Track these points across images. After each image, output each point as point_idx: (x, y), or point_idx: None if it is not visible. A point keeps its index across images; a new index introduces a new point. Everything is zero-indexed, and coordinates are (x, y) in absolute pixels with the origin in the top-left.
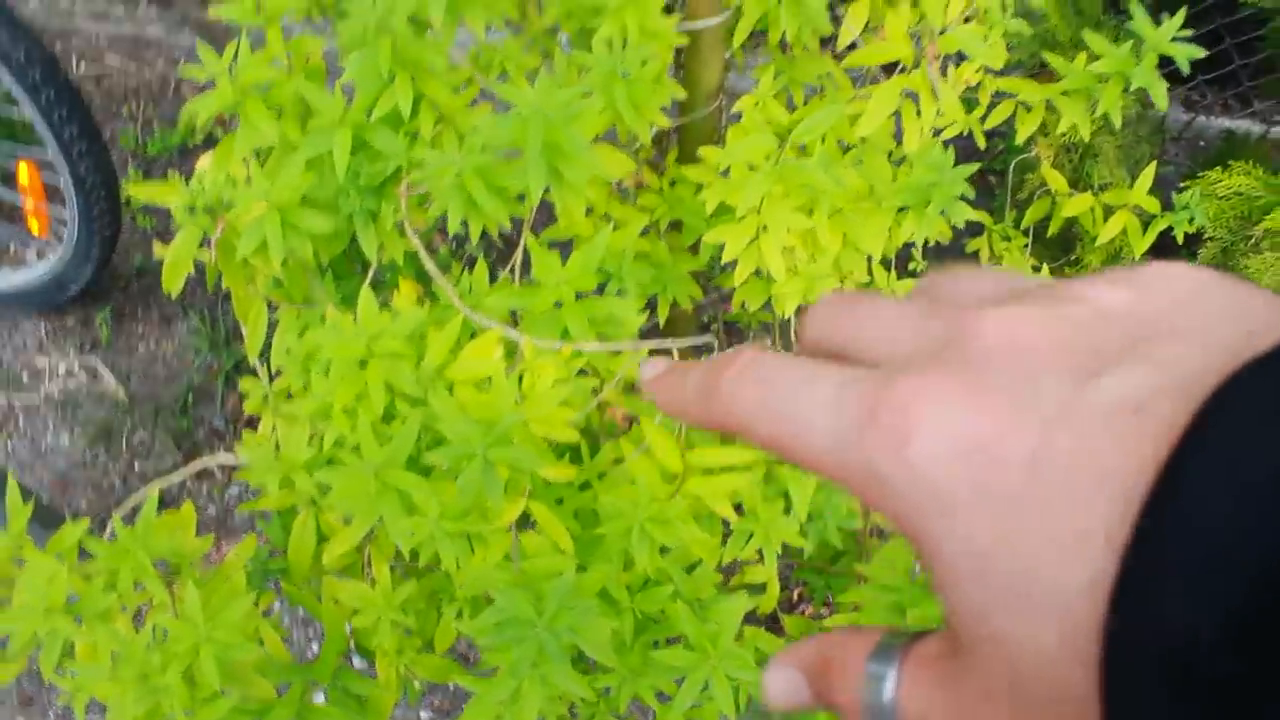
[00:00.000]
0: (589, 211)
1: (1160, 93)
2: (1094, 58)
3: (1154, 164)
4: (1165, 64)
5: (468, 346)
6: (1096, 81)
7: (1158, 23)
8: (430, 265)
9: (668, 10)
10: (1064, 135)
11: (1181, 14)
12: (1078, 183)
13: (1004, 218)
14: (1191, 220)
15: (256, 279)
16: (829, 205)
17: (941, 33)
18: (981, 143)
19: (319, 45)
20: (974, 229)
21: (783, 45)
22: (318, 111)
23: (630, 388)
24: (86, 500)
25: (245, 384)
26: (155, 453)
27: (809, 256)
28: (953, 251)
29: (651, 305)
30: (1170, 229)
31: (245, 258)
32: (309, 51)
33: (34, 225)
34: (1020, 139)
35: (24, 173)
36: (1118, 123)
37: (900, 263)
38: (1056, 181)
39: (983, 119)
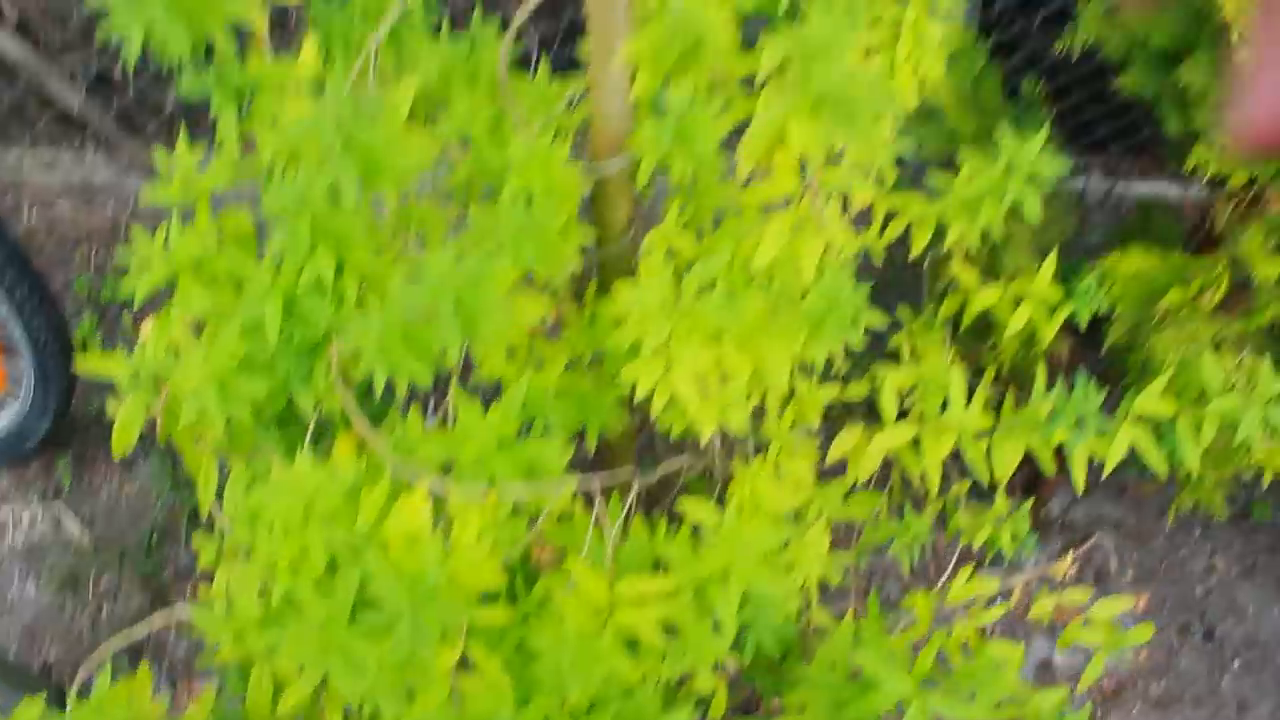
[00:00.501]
0: (512, 354)
1: (1034, 207)
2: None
3: (1054, 255)
4: (1088, 132)
5: (397, 505)
6: (991, 189)
7: (1065, 92)
8: (361, 423)
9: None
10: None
11: (1045, 131)
12: (993, 269)
13: (925, 312)
14: (1092, 304)
15: (205, 435)
16: (735, 335)
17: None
18: (878, 259)
19: (246, 216)
20: (899, 323)
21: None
22: (248, 282)
23: (560, 518)
24: (55, 650)
25: (198, 540)
26: (123, 596)
27: (720, 382)
28: (876, 348)
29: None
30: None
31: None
32: (238, 223)
33: None
34: (916, 251)
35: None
36: (996, 233)
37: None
38: (967, 277)
39: (881, 232)
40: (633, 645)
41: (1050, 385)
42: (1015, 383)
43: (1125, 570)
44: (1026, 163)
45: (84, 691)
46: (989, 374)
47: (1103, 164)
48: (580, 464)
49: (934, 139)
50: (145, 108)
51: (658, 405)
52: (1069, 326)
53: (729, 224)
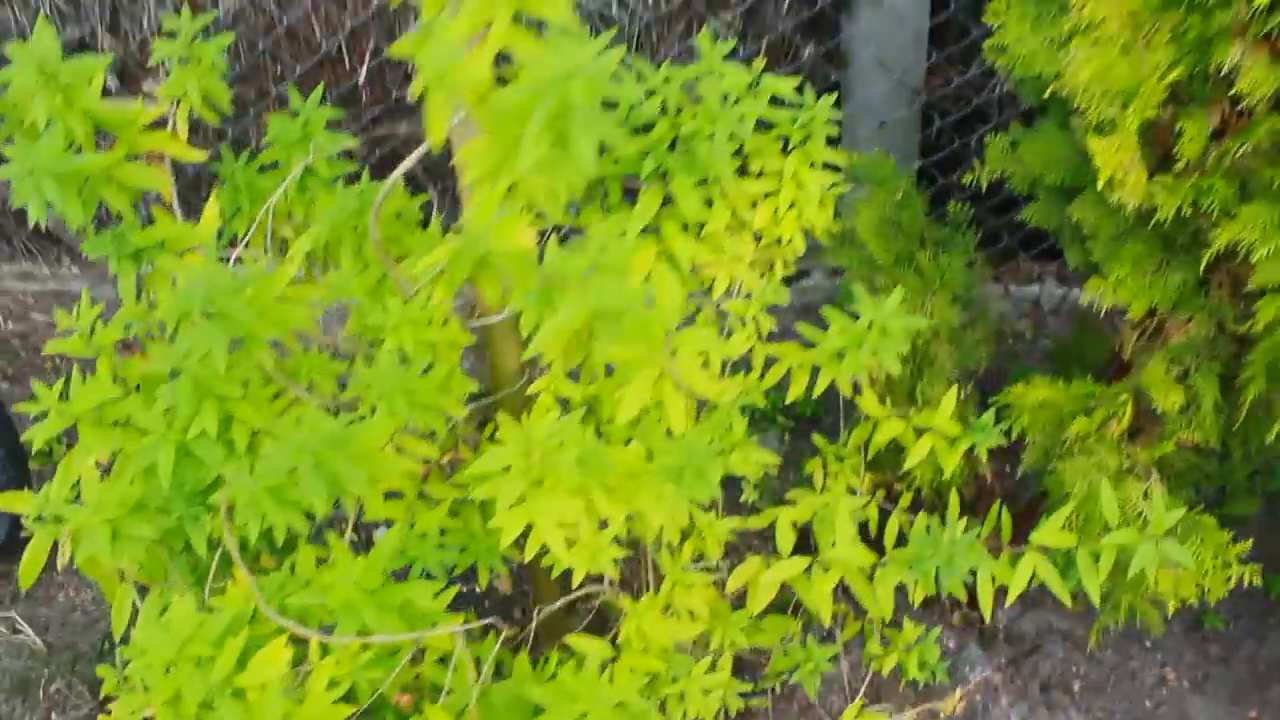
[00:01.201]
0: (400, 496)
1: (892, 362)
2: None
3: (955, 389)
4: (1036, 240)
5: (258, 654)
6: (851, 343)
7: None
8: (241, 569)
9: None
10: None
11: (898, 293)
12: (913, 394)
13: (839, 439)
14: (1008, 433)
15: (117, 565)
16: (602, 485)
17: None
18: (760, 402)
19: (143, 365)
20: (814, 448)
21: None
22: (145, 429)
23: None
24: None
25: (100, 669)
26: (72, 703)
27: (593, 528)
28: (789, 472)
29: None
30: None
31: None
32: (140, 370)
33: None
34: (791, 397)
35: None
36: (861, 381)
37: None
38: (872, 407)
39: (761, 376)
40: None
41: (966, 511)
42: (933, 508)
43: (1072, 682)
44: (883, 321)
45: None
46: (904, 500)
47: (1057, 271)
48: (480, 601)
49: (857, 265)
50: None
51: (529, 551)
52: (993, 449)
53: (619, 373)
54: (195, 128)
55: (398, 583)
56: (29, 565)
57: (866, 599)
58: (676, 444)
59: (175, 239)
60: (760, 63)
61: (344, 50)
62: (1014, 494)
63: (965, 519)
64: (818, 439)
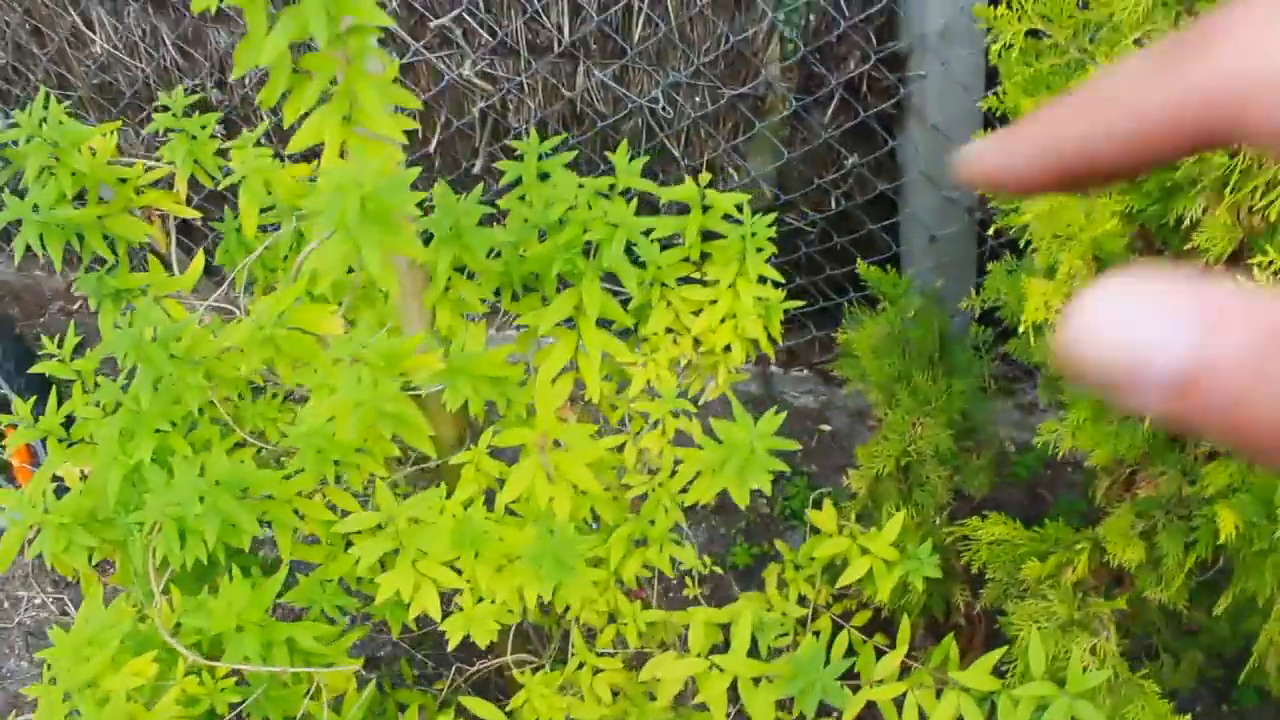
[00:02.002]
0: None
1: (762, 479)
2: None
3: (901, 514)
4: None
5: (129, 663)
6: (730, 453)
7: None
8: (153, 585)
9: None
10: (900, 457)
11: (774, 420)
12: (900, 509)
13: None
14: (976, 563)
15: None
16: (488, 560)
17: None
18: (671, 500)
19: (117, 388)
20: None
21: None
22: (100, 448)
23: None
24: None
25: (41, 653)
26: None
27: (473, 599)
28: (750, 578)
29: None
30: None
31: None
32: (113, 394)
33: (20, 478)
34: (689, 500)
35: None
36: (744, 497)
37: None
38: (823, 522)
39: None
40: None
41: (934, 636)
42: (886, 631)
43: None
44: (748, 442)
45: None
46: (860, 618)
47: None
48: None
49: (855, 377)
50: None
51: (411, 612)
52: (969, 577)
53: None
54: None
55: (285, 621)
56: (2, 554)
57: (751, 705)
58: (539, 533)
59: (157, 284)
60: (705, 177)
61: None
62: (992, 626)
63: (915, 645)
64: (780, 545)
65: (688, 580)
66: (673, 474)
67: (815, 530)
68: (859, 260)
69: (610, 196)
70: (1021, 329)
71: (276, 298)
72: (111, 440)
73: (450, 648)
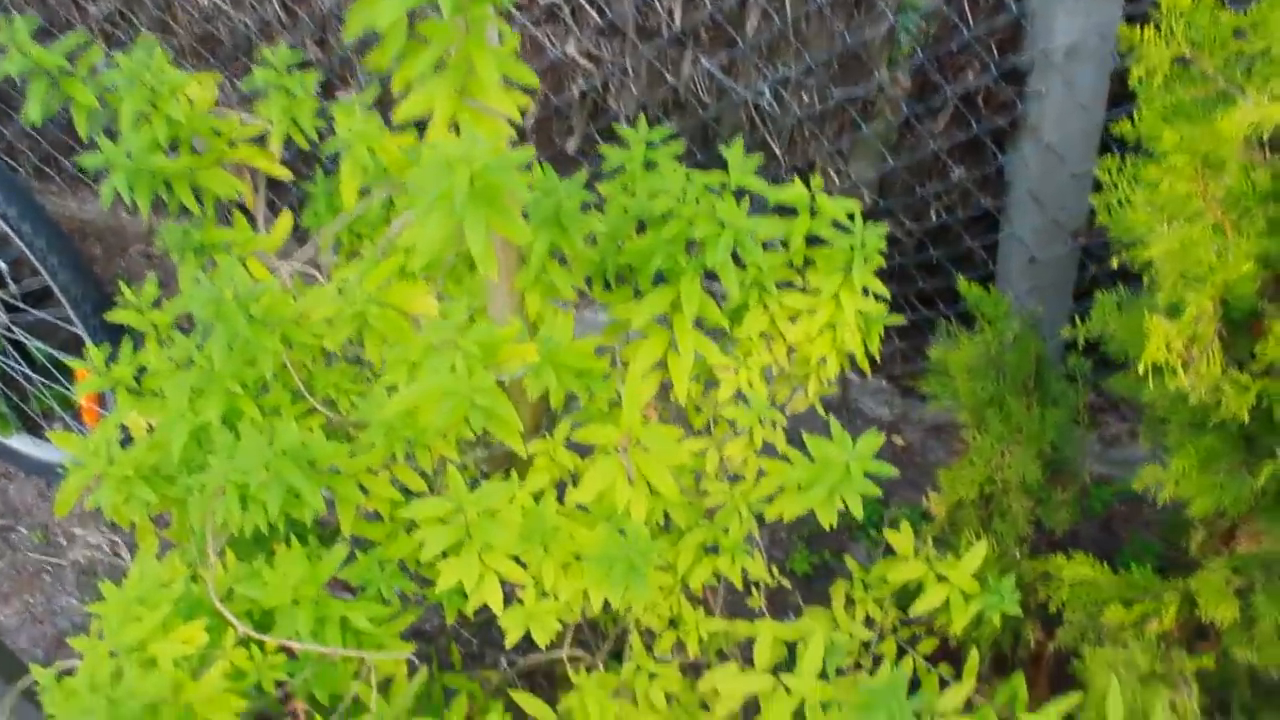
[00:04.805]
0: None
1: (854, 502)
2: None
3: (983, 543)
4: None
5: (178, 629)
6: (824, 473)
7: None
8: (209, 548)
9: None
10: (985, 484)
11: (876, 439)
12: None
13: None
14: (1055, 602)
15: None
16: (555, 557)
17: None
18: (745, 513)
19: (191, 345)
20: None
21: None
22: (169, 403)
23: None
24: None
25: (90, 606)
26: None
27: (536, 594)
28: (818, 587)
29: None
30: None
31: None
32: (186, 350)
33: (88, 419)
34: (771, 515)
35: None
36: (831, 517)
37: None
38: (900, 543)
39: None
40: None
41: (1000, 670)
42: (958, 659)
43: None
44: (843, 461)
45: None
46: (925, 645)
47: None
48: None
49: (944, 396)
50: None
51: (471, 604)
52: (1043, 614)
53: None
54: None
55: (341, 599)
56: (63, 498)
57: None
58: (612, 536)
59: (242, 242)
60: (818, 181)
61: None
62: (1061, 666)
63: (981, 680)
64: (850, 562)
65: (753, 589)
66: (755, 484)
67: (888, 550)
68: (959, 276)
69: (719, 193)
70: (1141, 368)
71: (368, 272)
72: (181, 397)
73: (509, 644)
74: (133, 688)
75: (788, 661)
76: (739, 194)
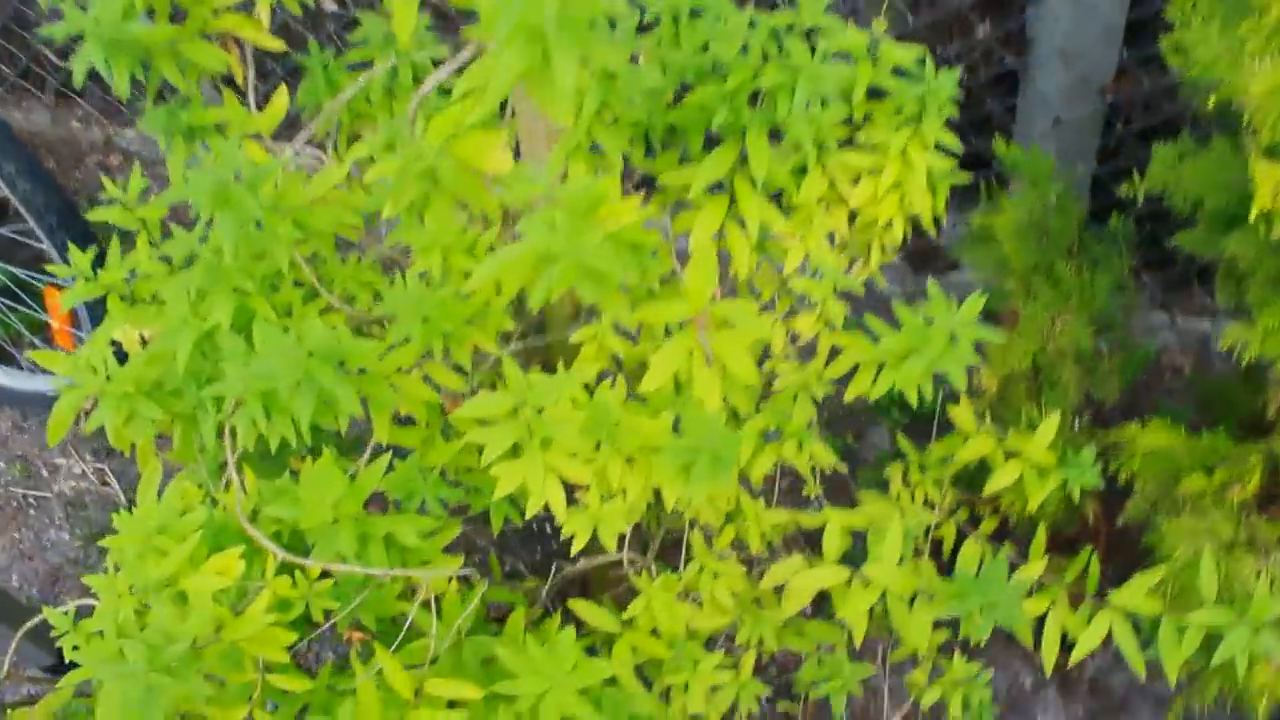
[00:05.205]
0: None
1: (958, 375)
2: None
3: (1056, 416)
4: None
5: (211, 560)
6: (924, 343)
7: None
8: (230, 467)
9: None
10: (1037, 354)
11: (978, 300)
12: (1022, 410)
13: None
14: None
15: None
16: (619, 452)
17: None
18: (819, 394)
19: (192, 240)
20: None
21: None
22: (169, 308)
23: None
24: (72, 598)
25: (105, 540)
26: None
27: (601, 495)
28: (869, 472)
29: None
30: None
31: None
32: (187, 246)
33: (60, 342)
34: (850, 395)
35: (52, 298)
36: (926, 391)
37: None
38: (964, 421)
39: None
40: None
41: (1063, 549)
42: (1014, 538)
43: None
44: (957, 328)
45: None
46: (987, 525)
47: (1190, 304)
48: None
49: (987, 265)
50: None
51: (530, 508)
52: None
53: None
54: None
55: (385, 514)
56: (55, 425)
57: (903, 626)
58: (695, 424)
59: (234, 123)
60: (880, 24)
61: None
62: (1117, 540)
63: (1046, 559)
64: (903, 443)
65: (809, 478)
66: (827, 364)
67: (942, 428)
68: (996, 138)
69: (783, 38)
70: (1252, 217)
71: (430, 123)
72: (182, 300)
73: (575, 549)
74: (167, 629)
75: (853, 552)
76: (809, 37)
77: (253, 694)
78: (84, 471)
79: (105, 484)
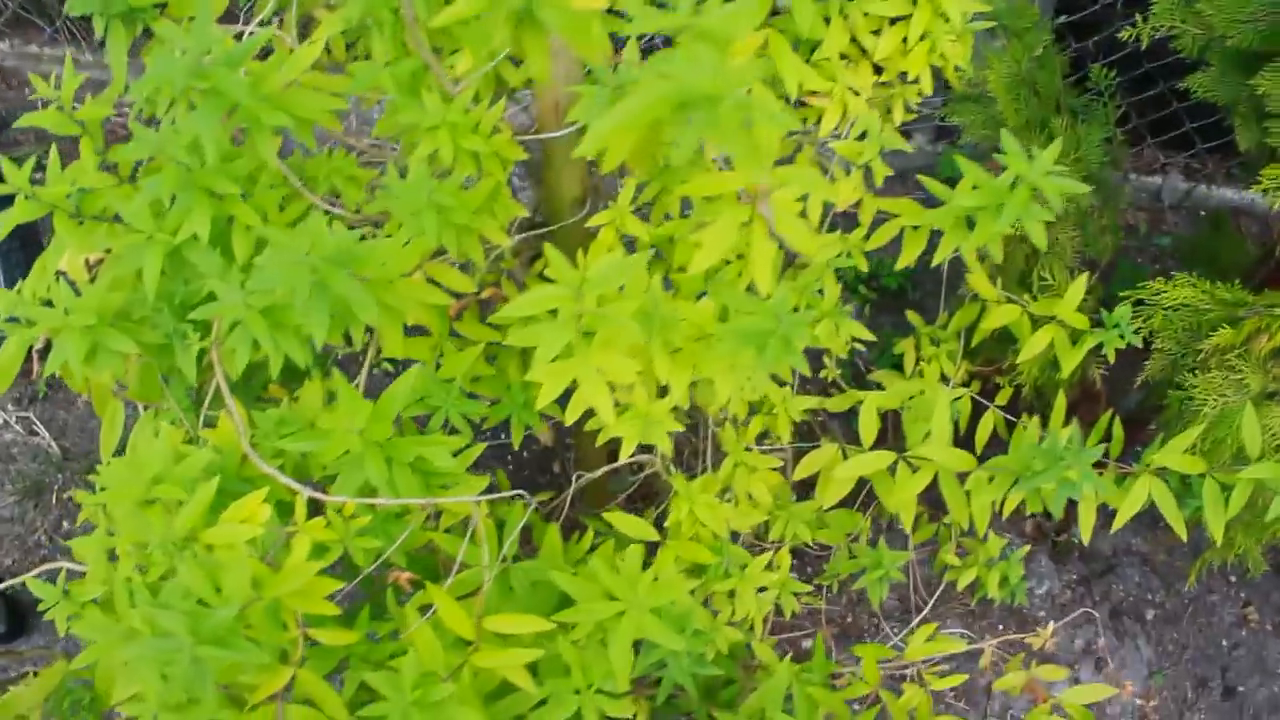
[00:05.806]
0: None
1: (1038, 231)
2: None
3: (1085, 277)
4: (1166, 126)
5: (231, 507)
6: (989, 205)
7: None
8: (228, 401)
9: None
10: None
11: (1056, 147)
12: (1026, 279)
13: (938, 320)
14: (1124, 336)
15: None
16: (666, 344)
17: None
18: (862, 265)
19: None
20: (906, 326)
21: None
22: (130, 226)
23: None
24: (12, 558)
25: (78, 495)
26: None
27: (649, 394)
28: (870, 350)
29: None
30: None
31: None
32: (140, 152)
33: None
34: (902, 263)
35: None
36: (998, 256)
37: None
38: (984, 287)
39: (867, 237)
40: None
41: (1073, 417)
42: (1033, 409)
43: (1146, 610)
44: (1035, 179)
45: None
46: (1002, 395)
47: (1184, 164)
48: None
49: (979, 124)
50: None
51: (572, 414)
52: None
53: (698, 210)
54: None
55: (412, 435)
56: (3, 370)
57: (958, 508)
58: (761, 305)
59: (176, 2)
60: None
61: None
62: (1115, 404)
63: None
64: (913, 317)
65: (826, 361)
66: (868, 234)
67: (950, 298)
68: None
69: None
70: None
71: None
72: (144, 214)
73: (624, 455)
74: (197, 591)
75: (883, 433)
76: None
77: (294, 654)
78: (6, 421)
79: (34, 433)
